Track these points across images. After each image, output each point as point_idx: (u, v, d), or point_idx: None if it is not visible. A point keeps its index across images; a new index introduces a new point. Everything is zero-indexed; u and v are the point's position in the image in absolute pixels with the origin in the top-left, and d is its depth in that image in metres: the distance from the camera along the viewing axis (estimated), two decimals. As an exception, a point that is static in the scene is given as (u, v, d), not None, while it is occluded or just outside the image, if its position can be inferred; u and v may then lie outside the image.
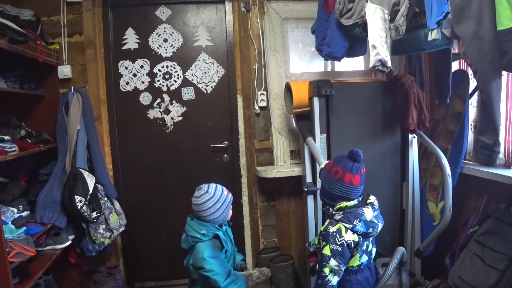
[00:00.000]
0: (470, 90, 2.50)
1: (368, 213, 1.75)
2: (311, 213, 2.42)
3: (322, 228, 1.84)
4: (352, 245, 1.72)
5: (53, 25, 2.75)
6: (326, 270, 1.70)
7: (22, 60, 2.36)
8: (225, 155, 3.09)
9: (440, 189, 2.60)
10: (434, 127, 2.69)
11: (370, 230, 1.74)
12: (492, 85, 1.62)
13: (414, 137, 2.51)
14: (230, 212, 2.12)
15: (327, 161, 1.92)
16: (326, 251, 1.71)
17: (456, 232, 2.54)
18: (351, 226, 1.71)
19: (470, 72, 2.55)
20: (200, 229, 2.02)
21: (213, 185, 2.08)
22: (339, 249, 1.69)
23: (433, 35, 1.74)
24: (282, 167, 2.94)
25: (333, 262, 1.69)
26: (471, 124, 2.57)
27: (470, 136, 2.57)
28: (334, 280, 1.71)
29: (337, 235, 1.70)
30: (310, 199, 2.41)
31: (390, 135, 2.53)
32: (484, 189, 2.42)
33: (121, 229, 2.76)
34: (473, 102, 2.55)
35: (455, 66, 2.61)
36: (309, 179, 2.45)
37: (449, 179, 2.26)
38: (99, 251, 2.63)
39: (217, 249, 2.02)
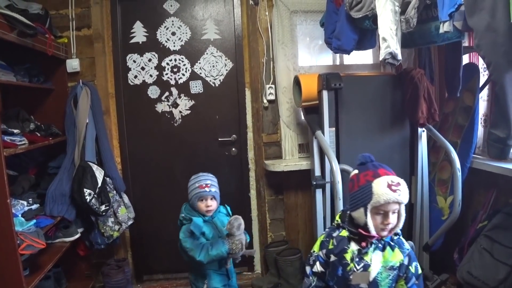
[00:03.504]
0: (481, 84, 2.48)
1: None
2: (319, 207, 2.41)
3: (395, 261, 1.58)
4: None
5: (62, 18, 2.75)
6: None
7: (31, 54, 2.36)
8: (233, 149, 3.08)
9: (449, 183, 2.59)
10: (443, 121, 2.67)
11: None
12: (505, 78, 1.61)
13: (423, 131, 2.51)
14: (199, 203, 2.18)
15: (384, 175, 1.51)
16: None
17: (465, 227, 2.53)
18: None
19: (480, 66, 2.54)
20: (181, 213, 2.25)
21: (200, 175, 2.24)
22: None
23: (445, 27, 1.73)
24: (290, 160, 2.93)
25: None
26: (481, 118, 2.55)
27: (480, 130, 2.55)
28: None
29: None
30: (318, 193, 2.41)
31: (399, 129, 2.52)
32: (493, 183, 2.40)
33: (130, 222, 2.77)
34: (483, 96, 2.53)
35: (465, 59, 2.58)
36: (317, 172, 2.45)
37: (459, 173, 2.26)
38: (108, 243, 2.65)
39: (191, 231, 2.15)
